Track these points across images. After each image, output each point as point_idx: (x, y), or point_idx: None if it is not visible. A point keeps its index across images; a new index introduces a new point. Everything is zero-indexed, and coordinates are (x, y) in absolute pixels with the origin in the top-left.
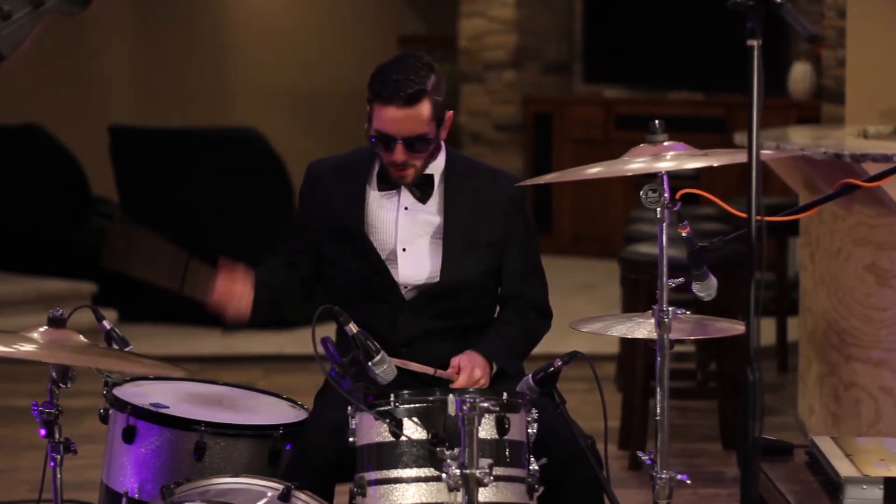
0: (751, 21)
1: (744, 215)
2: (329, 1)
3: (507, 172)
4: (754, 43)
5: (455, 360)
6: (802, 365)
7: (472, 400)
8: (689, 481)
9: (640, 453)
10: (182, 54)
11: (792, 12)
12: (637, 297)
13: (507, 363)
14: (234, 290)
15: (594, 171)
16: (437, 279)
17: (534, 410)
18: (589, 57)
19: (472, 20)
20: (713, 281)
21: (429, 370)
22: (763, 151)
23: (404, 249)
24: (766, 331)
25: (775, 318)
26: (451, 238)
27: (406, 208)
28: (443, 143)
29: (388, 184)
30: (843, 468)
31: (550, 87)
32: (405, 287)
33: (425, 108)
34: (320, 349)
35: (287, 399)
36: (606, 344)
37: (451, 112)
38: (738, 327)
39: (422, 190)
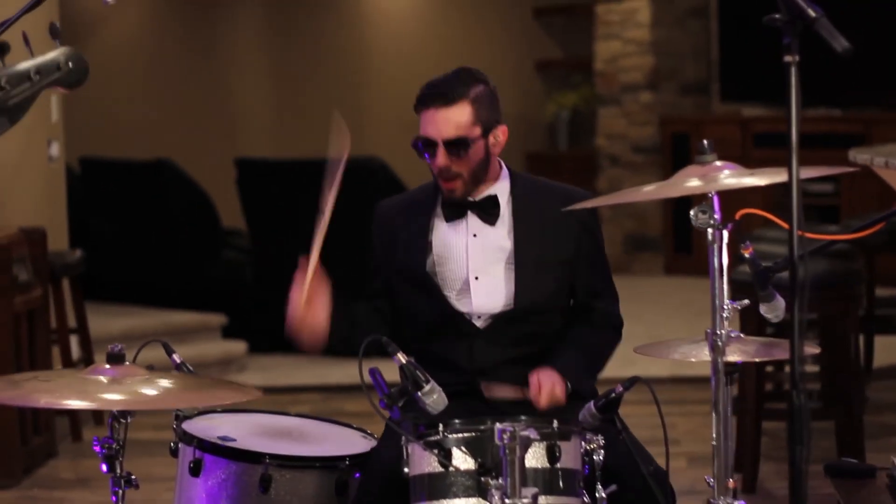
0: (787, 37)
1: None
2: (465, 28)
3: (576, 189)
4: (791, 59)
5: (534, 378)
6: None
7: (512, 429)
8: None
9: (707, 477)
10: (314, 86)
11: (826, 27)
12: (747, 319)
13: (580, 382)
14: (307, 316)
15: (647, 190)
16: (512, 306)
17: (599, 437)
18: (726, 76)
19: (608, 43)
20: (780, 302)
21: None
22: (854, 167)
23: (477, 278)
24: (892, 348)
25: None
26: (523, 262)
27: (475, 235)
28: (504, 165)
29: (455, 211)
30: None
31: (688, 108)
32: (478, 317)
33: (465, 110)
34: (368, 380)
35: (358, 429)
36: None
37: (505, 127)
38: (811, 349)
39: (487, 212)
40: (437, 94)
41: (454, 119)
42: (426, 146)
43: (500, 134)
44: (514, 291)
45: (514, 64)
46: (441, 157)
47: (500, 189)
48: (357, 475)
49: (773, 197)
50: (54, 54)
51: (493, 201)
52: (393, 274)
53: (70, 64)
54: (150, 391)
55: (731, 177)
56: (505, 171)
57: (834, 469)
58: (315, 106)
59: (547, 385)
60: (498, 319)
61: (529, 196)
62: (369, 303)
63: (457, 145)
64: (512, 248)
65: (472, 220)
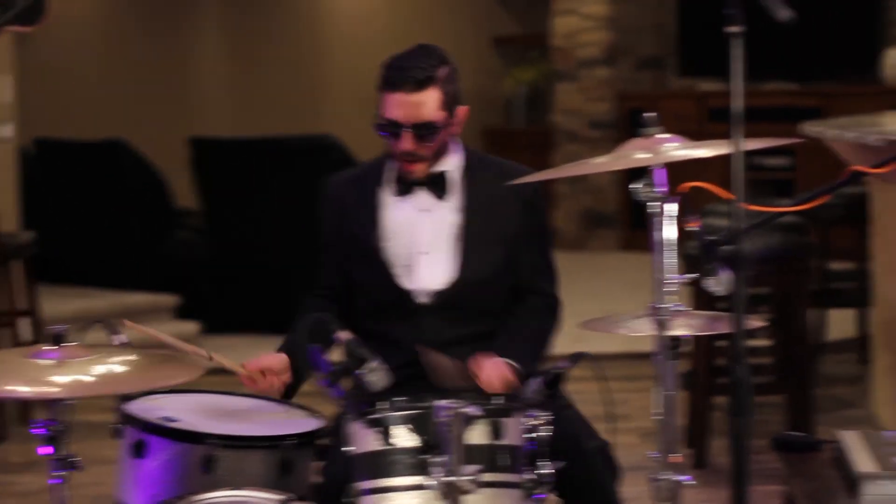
0: (730, 8)
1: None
2: (423, 4)
3: (523, 167)
4: (734, 30)
5: (478, 366)
6: (876, 356)
7: (453, 406)
8: (693, 482)
9: (650, 453)
10: (272, 64)
11: None
12: (700, 294)
13: (525, 366)
14: (264, 383)
15: (589, 164)
16: (457, 282)
17: (544, 413)
18: (682, 51)
19: (566, 18)
20: (726, 275)
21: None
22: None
23: (424, 253)
24: (847, 322)
25: (855, 308)
26: (470, 237)
27: (424, 210)
28: (459, 141)
29: (405, 186)
30: (864, 464)
31: (644, 83)
32: (425, 294)
33: (434, 95)
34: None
35: (304, 408)
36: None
37: (467, 107)
38: (755, 322)
39: (438, 188)
40: (408, 78)
41: (424, 104)
42: (390, 128)
43: (461, 114)
44: (460, 267)
45: (471, 40)
46: (408, 142)
47: (452, 164)
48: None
49: (728, 171)
50: None
51: (444, 177)
52: (343, 249)
53: None
54: (91, 376)
55: (673, 149)
56: (458, 146)
57: (780, 442)
58: (271, 85)
59: (495, 371)
60: (443, 296)
61: (480, 172)
62: (318, 293)
63: (425, 130)
64: (459, 223)
65: (423, 196)
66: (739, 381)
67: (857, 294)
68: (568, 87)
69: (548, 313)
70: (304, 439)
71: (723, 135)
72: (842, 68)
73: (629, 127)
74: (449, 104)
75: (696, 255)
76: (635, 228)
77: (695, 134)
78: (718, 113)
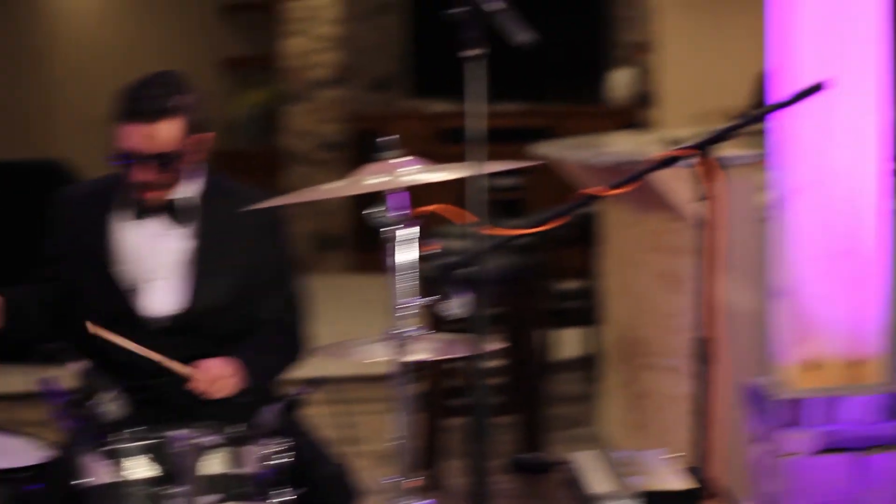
0: (469, 31)
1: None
2: (149, 25)
3: (267, 194)
4: (474, 52)
5: (203, 363)
6: (605, 375)
7: (190, 436)
8: None
9: (384, 478)
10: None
11: (507, 19)
12: (437, 316)
13: (259, 378)
14: None
15: (322, 189)
16: (188, 307)
17: (283, 440)
18: (415, 72)
19: (296, 39)
20: (463, 297)
21: (166, 361)
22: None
23: (156, 279)
24: (572, 340)
25: (582, 327)
26: (204, 264)
27: (160, 236)
28: (202, 167)
29: (141, 209)
30: (596, 484)
31: (377, 104)
32: (155, 319)
33: (173, 125)
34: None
35: (35, 438)
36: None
37: (212, 134)
38: (492, 344)
39: (176, 215)
40: (144, 108)
41: (161, 135)
42: (126, 159)
43: (205, 141)
44: (192, 294)
45: (199, 62)
46: (144, 173)
47: (192, 190)
48: (36, 486)
49: (458, 192)
50: None
51: (182, 204)
52: (71, 267)
53: None
54: None
55: (411, 173)
56: (201, 172)
57: (515, 464)
58: (2, 106)
59: (208, 371)
60: (174, 321)
61: (220, 199)
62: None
63: (162, 160)
64: (193, 249)
65: (159, 222)
66: (478, 404)
67: (584, 313)
68: (299, 108)
69: (286, 350)
70: (38, 471)
71: (455, 156)
72: (570, 89)
73: (360, 148)
74: (191, 131)
75: (433, 277)
76: (366, 251)
77: (427, 155)
78: (450, 134)
